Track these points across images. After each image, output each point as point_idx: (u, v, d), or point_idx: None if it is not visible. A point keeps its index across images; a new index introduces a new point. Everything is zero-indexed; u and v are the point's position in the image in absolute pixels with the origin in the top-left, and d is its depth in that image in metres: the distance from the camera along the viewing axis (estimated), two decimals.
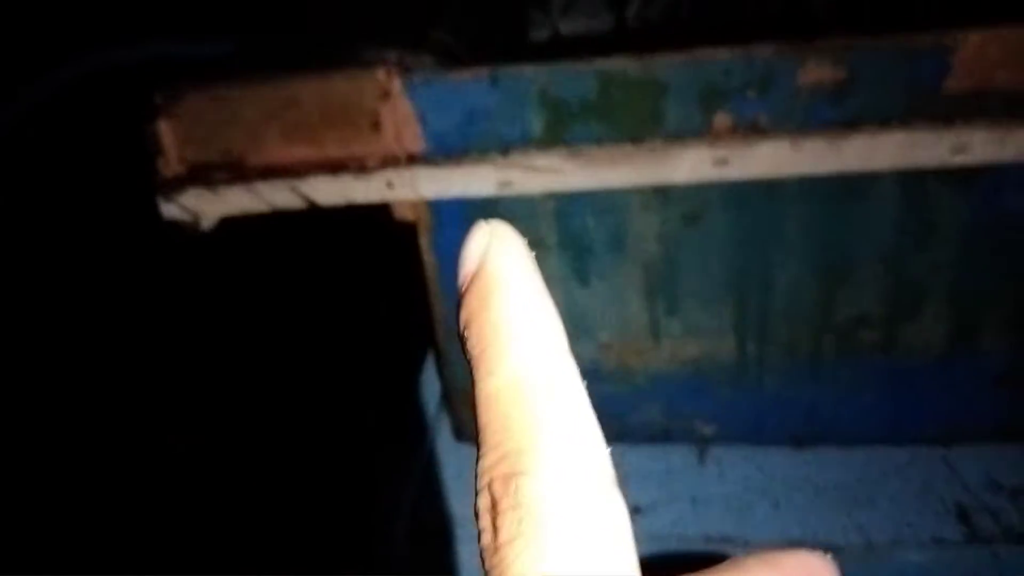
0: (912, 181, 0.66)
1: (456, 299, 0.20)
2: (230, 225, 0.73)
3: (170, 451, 1.47)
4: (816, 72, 0.61)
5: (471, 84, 0.65)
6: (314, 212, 0.71)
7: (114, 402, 1.59)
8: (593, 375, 0.76)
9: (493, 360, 0.19)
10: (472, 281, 0.20)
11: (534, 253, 0.64)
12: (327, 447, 1.41)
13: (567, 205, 0.69)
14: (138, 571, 1.13)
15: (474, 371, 0.19)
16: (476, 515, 0.18)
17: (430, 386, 0.90)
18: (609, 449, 0.18)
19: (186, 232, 0.73)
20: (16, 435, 1.48)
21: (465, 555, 0.73)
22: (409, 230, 0.74)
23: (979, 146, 0.63)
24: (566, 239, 0.71)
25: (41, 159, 2.14)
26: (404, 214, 0.73)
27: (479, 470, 0.18)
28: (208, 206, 0.70)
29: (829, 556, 0.20)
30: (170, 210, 0.71)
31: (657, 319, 0.73)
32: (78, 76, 2.09)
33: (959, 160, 0.63)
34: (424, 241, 0.73)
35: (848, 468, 0.76)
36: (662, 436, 0.78)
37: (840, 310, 0.71)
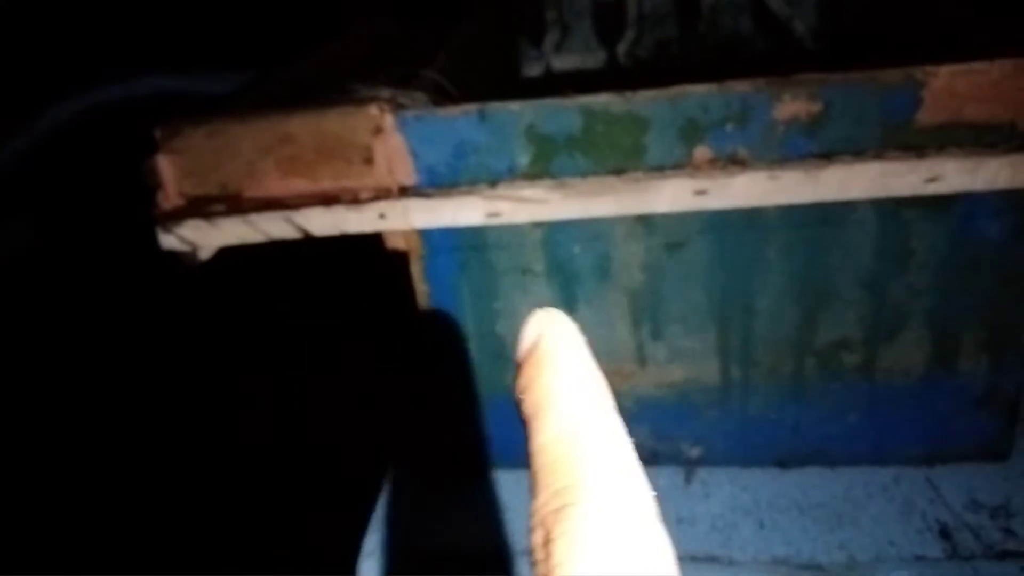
0: (888, 209, 0.68)
1: (513, 369, 0.24)
2: (228, 254, 0.76)
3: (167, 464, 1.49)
4: (792, 106, 0.64)
5: (461, 120, 0.67)
6: (308, 241, 0.73)
7: (110, 417, 1.60)
8: None
9: (546, 416, 0.22)
10: (529, 354, 0.24)
11: (524, 280, 0.67)
12: (310, 477, 1.43)
13: (554, 234, 0.72)
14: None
15: (529, 428, 0.22)
16: (531, 553, 0.20)
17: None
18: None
19: (184, 262, 0.75)
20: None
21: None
22: (400, 258, 0.76)
23: (951, 176, 0.65)
24: (553, 267, 0.73)
25: (44, 191, 2.17)
26: (396, 243, 0.75)
27: (533, 509, 0.20)
28: (206, 237, 0.73)
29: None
30: (169, 241, 0.73)
31: (642, 344, 0.75)
32: (77, 111, 2.12)
33: (932, 189, 0.65)
34: (416, 269, 0.75)
35: (832, 488, 0.77)
36: (649, 458, 0.79)
37: (821, 334, 0.73)
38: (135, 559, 1.26)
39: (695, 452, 0.80)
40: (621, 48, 1.29)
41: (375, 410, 1.07)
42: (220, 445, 1.52)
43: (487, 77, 1.07)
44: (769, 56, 1.27)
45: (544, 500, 0.20)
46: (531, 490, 0.21)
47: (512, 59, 1.28)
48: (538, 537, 0.20)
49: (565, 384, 0.22)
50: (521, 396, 0.23)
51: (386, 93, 0.71)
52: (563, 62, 1.29)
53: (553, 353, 0.23)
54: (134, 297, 1.93)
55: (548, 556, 0.19)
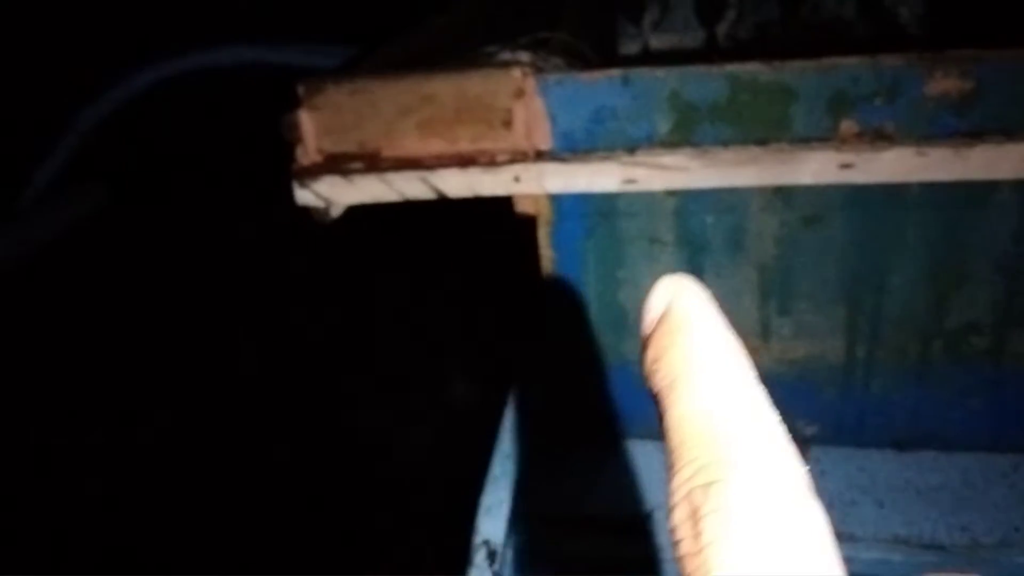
0: None
1: (641, 344, 0.22)
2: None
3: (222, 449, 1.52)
4: (943, 83, 0.63)
5: (603, 84, 0.67)
6: (440, 202, 0.74)
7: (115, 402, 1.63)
8: None
9: (685, 388, 0.21)
10: (660, 323, 0.22)
11: (651, 249, 0.68)
12: (328, 444, 1.44)
13: (687, 203, 0.72)
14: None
15: (663, 400, 0.21)
16: (673, 529, 0.19)
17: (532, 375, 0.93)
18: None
19: (315, 218, 0.77)
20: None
21: (564, 534, 0.76)
22: (526, 225, 0.77)
23: None
24: (684, 237, 0.73)
25: (120, 156, 2.21)
26: (525, 208, 0.76)
27: (674, 485, 0.19)
28: (341, 194, 0.74)
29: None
30: (305, 196, 0.74)
31: (768, 319, 0.75)
32: (158, 78, 2.16)
33: None
34: (543, 234, 0.76)
35: (950, 472, 0.77)
36: None
37: (952, 316, 0.73)
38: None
39: (810, 431, 0.79)
40: (721, 29, 1.28)
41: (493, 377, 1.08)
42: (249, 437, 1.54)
43: (595, 51, 1.07)
44: (872, 42, 1.26)
45: (688, 475, 0.19)
46: (669, 464, 0.20)
47: (610, 36, 1.27)
48: (682, 512, 0.19)
49: (702, 354, 0.21)
50: (653, 367, 0.22)
51: (527, 57, 0.71)
52: (661, 41, 1.29)
53: (686, 321, 0.22)
54: (211, 261, 1.97)
55: (698, 533, 0.18)
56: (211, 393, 1.63)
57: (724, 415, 0.20)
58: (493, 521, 0.74)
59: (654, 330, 0.22)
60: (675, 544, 0.19)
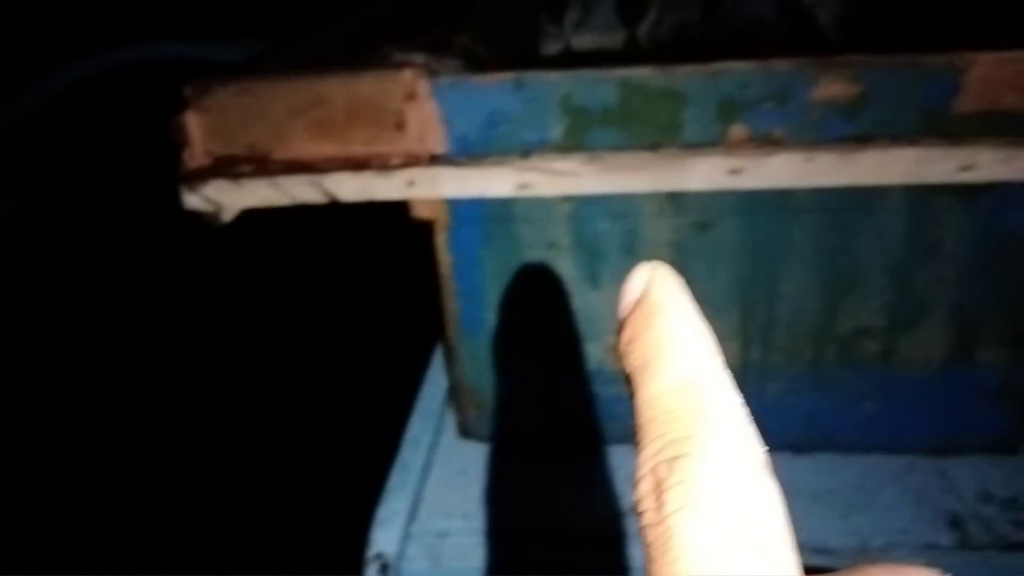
0: (920, 196, 0.68)
1: (617, 326, 0.23)
2: (247, 218, 0.75)
3: (168, 448, 1.49)
4: (831, 88, 0.64)
5: (496, 88, 0.66)
6: (333, 207, 0.72)
7: (110, 400, 1.60)
8: (599, 376, 0.78)
9: (657, 367, 0.21)
10: (636, 306, 0.23)
11: (548, 254, 0.67)
12: (328, 443, 1.43)
13: (582, 209, 0.71)
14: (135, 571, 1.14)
15: (635, 380, 0.22)
16: (638, 501, 0.20)
17: (434, 385, 0.92)
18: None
19: (206, 223, 0.75)
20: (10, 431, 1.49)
21: (467, 547, 0.75)
22: (424, 229, 0.76)
23: (986, 165, 0.65)
24: (580, 242, 0.73)
25: (54, 152, 2.15)
26: (422, 212, 0.74)
27: (641, 460, 0.20)
28: (231, 198, 0.72)
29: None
30: (193, 200, 0.72)
31: None
32: (83, 75, 2.10)
33: (966, 177, 0.65)
34: (440, 239, 0.75)
35: (846, 475, 0.78)
36: None
37: (843, 320, 0.73)
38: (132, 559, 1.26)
39: None
40: (642, 29, 1.28)
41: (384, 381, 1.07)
42: (215, 436, 1.52)
43: (508, 52, 1.06)
44: (790, 43, 1.27)
45: (656, 449, 0.20)
46: (637, 440, 0.21)
47: (531, 35, 1.27)
48: (647, 485, 0.20)
49: (674, 337, 0.22)
50: (627, 348, 0.23)
51: (420, 58, 0.70)
52: (583, 41, 1.28)
53: (661, 306, 0.23)
54: (133, 262, 1.93)
55: (661, 504, 0.19)
56: (118, 391, 1.60)
57: (691, 395, 0.21)
58: (387, 533, 0.73)
59: (630, 313, 0.23)
60: (638, 516, 0.20)
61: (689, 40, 1.27)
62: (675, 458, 0.19)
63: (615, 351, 0.23)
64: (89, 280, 1.89)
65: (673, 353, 0.22)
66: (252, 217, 0.75)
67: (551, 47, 1.29)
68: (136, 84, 2.13)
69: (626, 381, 0.22)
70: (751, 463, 0.20)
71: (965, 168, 0.65)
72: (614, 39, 1.28)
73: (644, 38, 1.28)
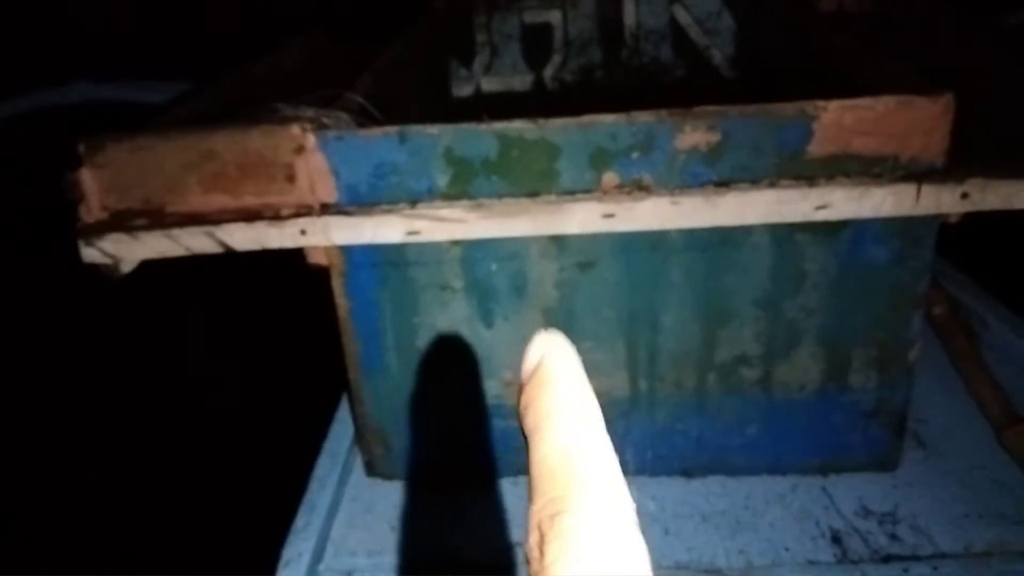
0: (782, 234, 0.73)
1: (516, 391, 0.26)
2: (153, 266, 0.77)
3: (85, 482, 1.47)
4: (693, 136, 0.68)
5: (381, 141, 0.70)
6: (230, 256, 0.74)
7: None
8: (497, 411, 0.81)
9: (545, 432, 0.24)
10: (532, 374, 0.26)
11: (443, 295, 0.71)
12: (239, 480, 1.43)
13: (472, 252, 0.75)
14: None
15: (530, 441, 0.24)
16: (527, 553, 0.22)
17: (342, 425, 0.94)
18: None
19: (105, 275, 0.76)
20: None
21: None
22: (322, 274, 0.78)
23: (840, 203, 0.70)
24: (471, 283, 0.76)
25: None
26: (318, 259, 0.77)
27: (530, 514, 0.22)
28: (128, 251, 0.73)
29: None
30: (91, 254, 0.74)
31: None
32: (2, 118, 2.09)
33: (822, 215, 0.70)
34: (337, 284, 0.77)
35: (735, 497, 0.82)
36: None
37: (722, 350, 0.78)
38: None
39: None
40: (548, 72, 1.33)
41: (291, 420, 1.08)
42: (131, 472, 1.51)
43: (419, 95, 1.09)
44: (688, 81, 1.33)
45: (541, 506, 0.22)
46: (529, 496, 0.23)
47: (442, 79, 1.30)
48: (534, 538, 0.22)
49: (562, 403, 0.24)
50: (524, 412, 0.25)
51: (309, 113, 0.73)
52: (492, 83, 1.33)
53: (553, 375, 0.25)
54: (46, 305, 1.91)
55: (542, 556, 0.21)
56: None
57: (571, 457, 0.23)
58: (293, 574, 0.74)
59: (527, 380, 0.25)
60: (528, 565, 0.22)
61: (593, 81, 1.33)
62: (555, 514, 0.22)
63: (517, 414, 0.26)
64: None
65: (559, 420, 0.24)
66: (163, 266, 0.77)
67: (462, 89, 1.33)
68: (54, 127, 2.12)
69: (524, 442, 0.25)
70: (620, 520, 0.22)
71: (821, 207, 0.70)
72: (522, 81, 1.33)
73: (550, 80, 1.33)
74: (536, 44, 1.32)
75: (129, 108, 2.09)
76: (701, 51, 1.32)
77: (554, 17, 1.34)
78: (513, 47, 1.33)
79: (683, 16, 1.33)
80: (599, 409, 0.25)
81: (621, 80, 1.33)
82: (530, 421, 0.24)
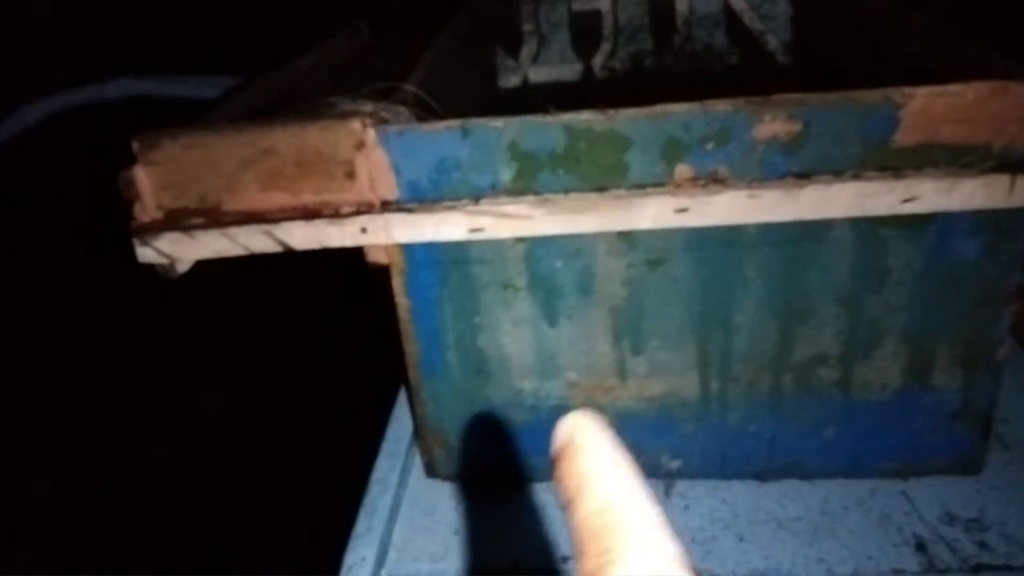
0: (865, 227, 0.69)
1: (549, 455, 0.28)
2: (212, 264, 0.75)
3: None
4: (771, 126, 0.65)
5: (444, 135, 0.67)
6: (289, 254, 0.73)
7: None
8: (560, 412, 0.78)
9: (581, 499, 0.25)
10: (562, 450, 0.27)
11: (505, 294, 0.67)
12: (298, 481, 1.42)
13: (536, 249, 0.72)
14: None
15: (570, 507, 0.26)
16: None
17: (400, 425, 0.92)
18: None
19: (161, 274, 0.75)
20: None
21: None
22: (382, 273, 0.76)
23: (927, 196, 0.66)
24: (535, 282, 0.73)
25: (11, 190, 2.13)
26: (377, 257, 0.75)
27: (577, 572, 0.24)
28: (184, 250, 0.72)
29: None
30: (146, 254, 0.72)
31: (623, 358, 0.76)
32: (49, 113, 2.10)
33: (909, 208, 0.66)
34: (397, 283, 0.75)
35: (809, 501, 0.78)
36: None
37: (799, 349, 0.74)
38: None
39: (674, 465, 0.80)
40: (597, 60, 1.30)
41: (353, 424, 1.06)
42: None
43: (466, 88, 1.07)
44: (742, 69, 1.29)
45: (585, 563, 0.23)
46: (576, 559, 0.24)
47: (489, 69, 1.28)
48: None
49: (594, 471, 0.26)
50: (559, 484, 0.27)
51: (368, 107, 0.71)
52: (540, 73, 1.30)
53: (583, 447, 0.27)
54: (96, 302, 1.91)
55: None
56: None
57: (610, 515, 0.24)
58: None
59: (559, 456, 0.27)
60: None
61: (643, 70, 1.29)
62: (604, 565, 0.22)
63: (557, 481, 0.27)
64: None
65: (592, 485, 0.25)
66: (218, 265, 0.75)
67: (509, 80, 1.30)
68: (101, 122, 2.13)
69: (565, 512, 0.26)
70: (666, 562, 0.23)
71: (908, 200, 0.66)
72: (570, 71, 1.29)
73: (599, 69, 1.29)
74: (585, 32, 1.29)
75: (170, 103, 2.09)
76: (756, 37, 1.28)
77: (603, 4, 1.30)
78: (561, 36, 1.29)
79: (737, 1, 1.28)
80: (635, 467, 0.26)
81: (673, 68, 1.29)
82: (567, 488, 0.26)
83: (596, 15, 1.31)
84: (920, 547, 0.74)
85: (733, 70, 1.29)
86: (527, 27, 1.31)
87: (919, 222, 0.69)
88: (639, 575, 0.22)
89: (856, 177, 0.65)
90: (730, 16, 1.29)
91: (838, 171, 0.66)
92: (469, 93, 1.07)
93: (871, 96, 0.64)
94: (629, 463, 0.26)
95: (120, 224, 0.73)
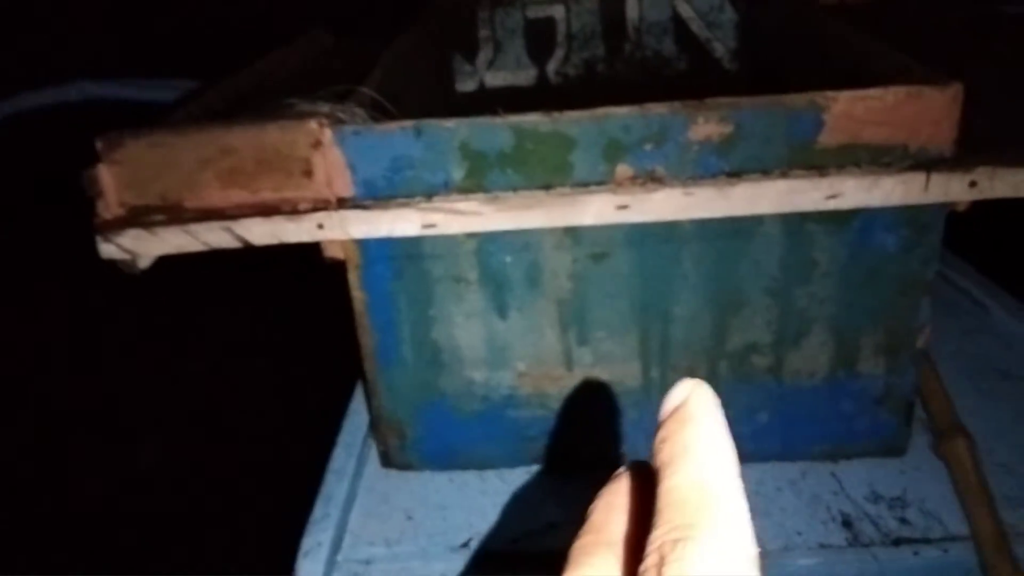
0: (793, 223, 0.74)
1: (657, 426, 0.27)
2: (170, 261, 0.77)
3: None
4: (705, 128, 0.69)
5: (397, 135, 0.70)
6: (248, 250, 0.75)
7: None
8: (511, 401, 0.82)
9: (679, 465, 0.25)
10: (672, 413, 0.27)
11: (458, 288, 0.72)
12: (255, 472, 1.44)
13: (486, 244, 0.76)
14: None
15: (660, 473, 0.25)
16: (642, 573, 0.23)
17: (356, 417, 0.95)
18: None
19: (123, 270, 0.77)
20: None
21: (392, 573, 0.78)
22: (338, 268, 0.79)
23: (850, 193, 0.71)
24: (486, 276, 0.77)
25: None
26: (334, 253, 0.78)
27: (651, 538, 0.23)
28: (146, 246, 0.74)
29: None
30: (108, 250, 0.74)
31: (570, 348, 0.80)
32: (17, 112, 2.09)
33: (833, 205, 0.71)
34: (353, 278, 0.78)
35: (745, 483, 0.82)
36: (576, 457, 0.84)
37: (733, 338, 0.79)
38: None
39: (619, 451, 0.84)
40: (551, 66, 1.34)
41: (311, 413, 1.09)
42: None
43: (422, 91, 1.10)
44: (690, 75, 1.34)
45: (664, 531, 0.23)
46: (652, 523, 0.24)
47: (446, 74, 1.31)
48: (652, 560, 0.23)
49: (701, 442, 0.25)
50: (659, 445, 0.26)
51: (325, 108, 0.74)
52: (496, 78, 1.34)
53: (695, 415, 0.26)
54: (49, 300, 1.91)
55: None
56: None
57: (702, 492, 0.24)
58: (312, 564, 0.75)
59: (666, 418, 0.26)
60: None
61: (596, 75, 1.33)
62: (679, 540, 0.22)
63: (651, 448, 0.27)
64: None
65: (695, 455, 0.25)
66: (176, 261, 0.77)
67: (466, 84, 1.34)
68: (56, 126, 2.12)
69: (654, 473, 0.26)
70: (742, 556, 0.22)
71: (831, 197, 0.71)
72: (525, 76, 1.34)
73: (553, 75, 1.33)
74: (539, 38, 1.33)
75: (129, 106, 2.10)
76: (703, 44, 1.33)
77: (557, 11, 1.34)
78: (516, 42, 1.33)
79: (685, 9, 1.34)
80: (734, 452, 0.25)
81: (624, 74, 1.34)
82: (665, 454, 0.25)
83: (550, 22, 1.35)
84: (846, 523, 0.79)
85: (682, 76, 1.35)
86: (483, 33, 1.35)
87: (843, 218, 0.74)
88: (710, 557, 0.22)
89: (784, 176, 0.70)
90: (679, 24, 1.35)
91: (767, 170, 0.70)
92: (426, 97, 1.10)
93: (797, 100, 0.69)
94: (732, 447, 0.26)
95: (79, 225, 0.75)
